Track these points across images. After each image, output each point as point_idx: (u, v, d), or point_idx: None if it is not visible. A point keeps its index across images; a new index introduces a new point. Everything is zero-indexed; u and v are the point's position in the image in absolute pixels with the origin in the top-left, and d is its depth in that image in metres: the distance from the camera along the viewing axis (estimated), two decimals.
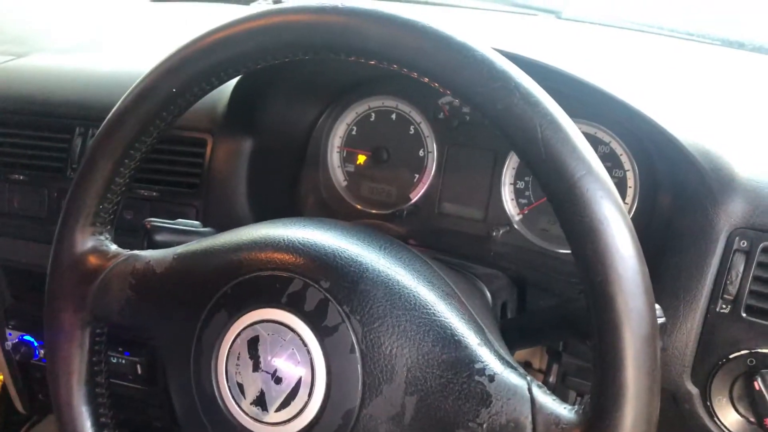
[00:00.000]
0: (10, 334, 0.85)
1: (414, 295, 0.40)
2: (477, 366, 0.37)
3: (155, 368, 0.80)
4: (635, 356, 0.33)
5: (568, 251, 0.50)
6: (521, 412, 0.36)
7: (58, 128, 0.78)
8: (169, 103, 0.46)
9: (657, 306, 0.41)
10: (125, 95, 0.48)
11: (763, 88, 0.78)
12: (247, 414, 0.40)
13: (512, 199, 0.69)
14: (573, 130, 0.35)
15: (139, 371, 0.80)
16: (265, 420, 0.40)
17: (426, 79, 0.38)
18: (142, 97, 0.47)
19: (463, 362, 0.38)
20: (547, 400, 0.36)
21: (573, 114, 0.37)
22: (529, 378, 0.37)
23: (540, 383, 0.38)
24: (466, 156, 0.70)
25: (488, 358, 0.38)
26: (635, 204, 0.63)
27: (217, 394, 0.42)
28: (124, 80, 0.75)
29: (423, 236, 0.73)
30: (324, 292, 0.39)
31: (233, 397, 0.41)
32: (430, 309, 0.40)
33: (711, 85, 0.75)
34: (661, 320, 0.42)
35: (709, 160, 0.53)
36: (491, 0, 1.06)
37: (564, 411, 0.36)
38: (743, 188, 0.52)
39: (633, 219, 0.60)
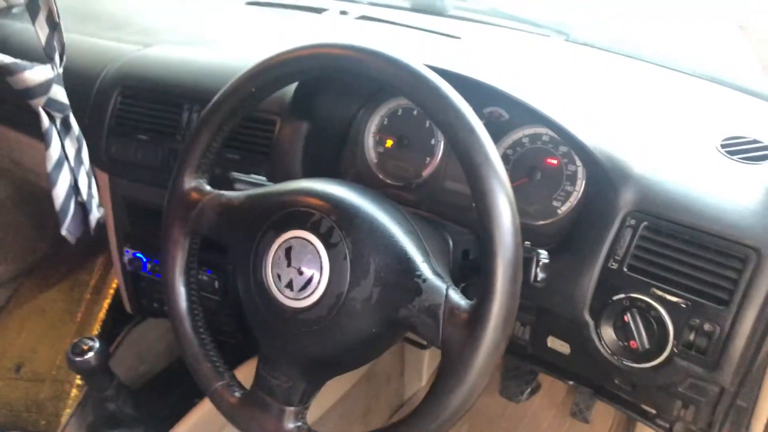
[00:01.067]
0: (126, 252, 1.13)
1: (387, 229, 0.63)
2: (417, 273, 0.60)
3: (227, 285, 1.06)
4: (504, 272, 0.55)
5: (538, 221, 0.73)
6: (438, 301, 0.59)
7: (173, 104, 1.04)
8: (250, 98, 0.71)
9: (541, 250, 0.63)
10: (224, 89, 0.73)
11: (656, 97, 0.97)
12: (281, 293, 0.65)
13: None
14: (481, 133, 0.58)
15: (216, 286, 1.07)
16: (291, 297, 0.64)
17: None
18: (234, 91, 0.73)
19: (409, 270, 0.61)
20: (455, 296, 0.59)
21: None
22: (448, 284, 0.60)
23: (455, 287, 0.61)
24: None
25: (426, 270, 0.61)
26: (582, 190, 0.84)
27: (265, 281, 0.66)
28: (221, 72, 1.02)
29: (429, 205, 0.95)
30: (333, 222, 0.63)
31: (274, 283, 0.65)
32: (395, 238, 0.63)
33: (624, 97, 0.94)
34: (544, 260, 0.65)
35: (610, 161, 0.73)
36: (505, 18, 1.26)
37: (462, 302, 0.58)
38: (635, 182, 0.72)
39: (579, 201, 0.81)
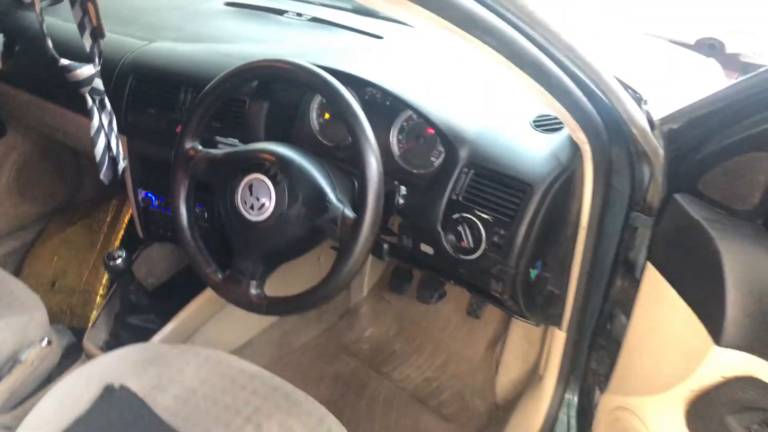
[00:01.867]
0: (140, 192, 1.53)
1: (310, 173, 1.04)
2: (327, 198, 1.02)
3: (213, 215, 1.47)
4: (371, 198, 0.97)
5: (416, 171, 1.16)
6: (337, 214, 1.00)
7: (173, 87, 1.43)
8: (231, 88, 1.11)
9: (402, 186, 1.05)
10: (213, 81, 1.13)
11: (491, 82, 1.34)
12: (246, 212, 1.05)
13: (396, 144, 1.31)
14: (360, 115, 0.98)
15: (206, 216, 1.47)
16: (252, 214, 1.05)
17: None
18: (221, 83, 1.12)
19: (322, 197, 1.02)
20: (347, 211, 1.00)
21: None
22: (345, 206, 1.02)
23: (349, 207, 1.02)
24: (376, 118, 1.32)
25: (332, 197, 1.02)
26: (444, 150, 1.25)
27: (237, 205, 1.07)
28: (208, 64, 1.40)
29: (350, 160, 1.36)
30: (277, 169, 1.04)
31: (242, 206, 1.06)
32: (315, 178, 1.04)
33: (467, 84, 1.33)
34: (403, 192, 1.07)
35: (452, 131, 1.15)
36: None
37: (351, 214, 1.00)
38: (468, 145, 1.14)
39: (443, 157, 1.22)
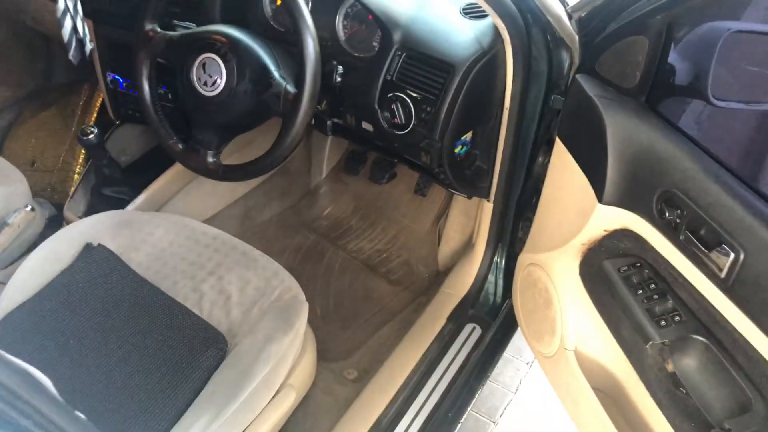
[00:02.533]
0: (109, 74, 1.63)
1: (257, 52, 1.15)
2: (271, 76, 1.13)
3: (176, 96, 1.58)
4: (310, 75, 1.09)
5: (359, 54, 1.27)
6: (280, 90, 1.12)
7: None
8: None
9: (339, 65, 1.17)
10: None
11: None
12: (201, 88, 1.17)
13: (341, 28, 1.40)
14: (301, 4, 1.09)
15: (169, 97, 1.58)
16: (206, 90, 1.17)
17: None
18: None
19: (267, 74, 1.14)
20: (289, 87, 1.12)
21: None
22: (287, 82, 1.14)
23: (286, 77, 1.14)
24: (324, 4, 1.39)
25: (276, 74, 1.14)
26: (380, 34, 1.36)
27: (192, 82, 1.18)
28: None
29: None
30: (227, 49, 1.15)
31: (197, 83, 1.18)
32: (262, 58, 1.15)
33: None
34: (340, 71, 1.19)
35: (387, 17, 1.25)
36: None
37: (292, 90, 1.12)
38: (401, 29, 1.25)
39: (381, 39, 1.33)
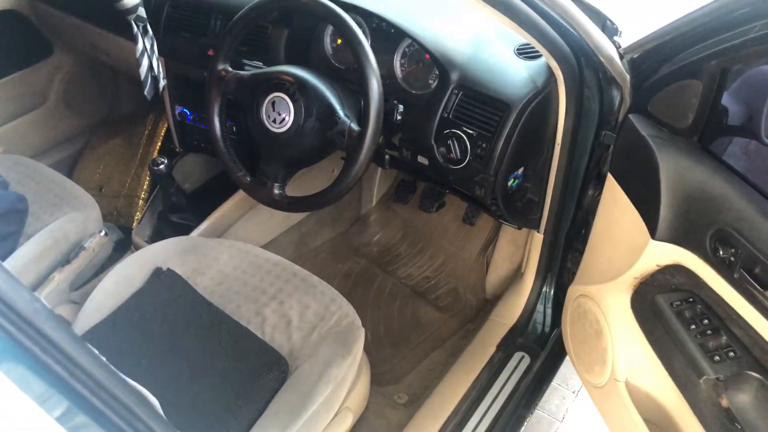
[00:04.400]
0: (177, 108, 1.73)
1: (323, 92, 1.22)
2: (337, 115, 1.20)
3: (240, 129, 1.66)
4: (373, 114, 1.15)
5: (416, 92, 1.33)
6: (345, 128, 1.19)
7: (204, 14, 1.59)
8: (256, 17, 1.28)
9: (399, 104, 1.24)
10: (242, 11, 1.29)
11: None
12: (269, 125, 1.25)
13: (399, 67, 1.47)
14: (363, 42, 1.15)
15: (234, 129, 1.67)
16: (275, 127, 1.25)
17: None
18: (248, 12, 1.29)
19: (333, 113, 1.20)
20: (353, 125, 1.19)
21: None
22: (351, 120, 1.20)
23: (355, 122, 1.21)
24: (382, 44, 1.47)
25: (341, 114, 1.20)
26: (438, 74, 1.42)
27: (262, 119, 1.26)
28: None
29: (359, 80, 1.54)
30: (295, 89, 1.22)
31: (266, 120, 1.25)
32: (327, 97, 1.22)
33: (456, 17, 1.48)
34: (401, 110, 1.25)
35: (444, 57, 1.31)
36: None
37: (356, 128, 1.19)
38: (458, 69, 1.31)
39: (438, 79, 1.40)
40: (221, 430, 1.15)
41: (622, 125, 1.21)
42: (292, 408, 1.16)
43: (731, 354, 1.00)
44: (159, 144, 1.99)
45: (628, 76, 1.22)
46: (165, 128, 1.99)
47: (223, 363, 1.25)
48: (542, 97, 1.26)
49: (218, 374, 1.23)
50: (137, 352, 1.27)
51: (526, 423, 1.50)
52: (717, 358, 1.00)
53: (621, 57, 1.22)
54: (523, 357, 1.58)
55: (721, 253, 0.96)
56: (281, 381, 1.22)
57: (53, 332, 0.48)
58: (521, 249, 1.75)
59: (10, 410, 0.42)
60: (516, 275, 1.73)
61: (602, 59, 1.21)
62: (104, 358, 0.54)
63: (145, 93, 1.49)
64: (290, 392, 1.20)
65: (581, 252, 1.46)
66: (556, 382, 1.90)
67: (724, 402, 1.00)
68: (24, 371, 0.45)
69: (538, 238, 1.54)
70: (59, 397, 0.48)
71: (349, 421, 1.25)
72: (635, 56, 1.20)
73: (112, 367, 0.55)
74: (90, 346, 0.52)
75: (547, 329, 1.64)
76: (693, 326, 1.05)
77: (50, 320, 0.48)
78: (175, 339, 1.29)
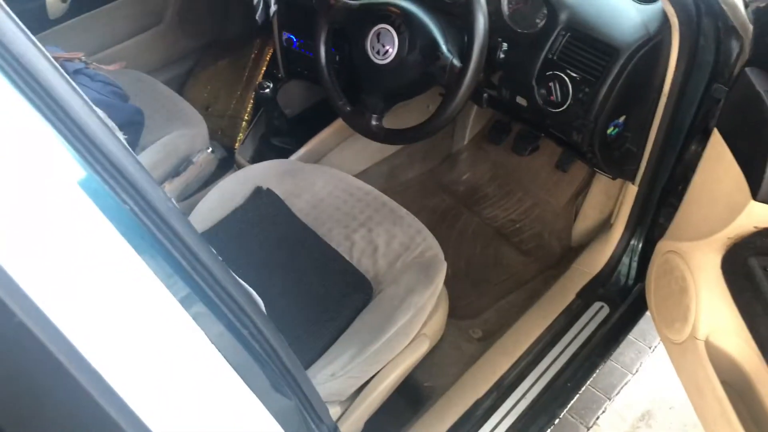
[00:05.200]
0: (284, 34, 1.78)
1: (428, 26, 1.23)
2: (440, 49, 1.21)
3: (343, 58, 1.69)
4: (476, 50, 1.16)
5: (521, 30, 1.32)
6: (446, 62, 1.20)
7: None
8: None
9: (504, 42, 1.23)
10: None
11: None
12: (373, 56, 1.27)
13: (506, 4, 1.43)
14: None
15: (337, 59, 1.70)
16: (378, 58, 1.27)
17: None
18: None
19: (435, 47, 1.21)
20: (455, 60, 1.20)
21: None
22: (453, 56, 1.21)
23: (458, 58, 1.22)
24: None
25: (443, 48, 1.21)
26: (546, 12, 1.38)
27: (366, 49, 1.29)
28: None
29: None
30: (401, 21, 1.23)
31: (370, 51, 1.28)
32: (432, 32, 1.23)
33: None
34: (504, 47, 1.24)
35: None
36: None
37: (457, 63, 1.20)
38: (567, 10, 1.28)
39: (545, 19, 1.37)
40: (307, 342, 1.24)
41: (737, 79, 1.15)
42: (374, 328, 1.23)
43: None
44: (264, 68, 2.06)
45: (750, 27, 1.16)
46: (270, 53, 2.05)
47: (312, 280, 1.33)
48: (653, 44, 1.22)
49: (307, 291, 1.31)
50: (234, 262, 1.37)
51: (598, 371, 1.52)
52: None
53: (746, 5, 1.16)
54: (602, 307, 1.58)
55: None
56: (365, 302, 1.30)
57: (181, 228, 0.55)
58: (613, 200, 1.72)
59: (148, 290, 0.49)
60: (605, 226, 1.71)
61: (724, 6, 1.15)
62: (220, 258, 0.61)
63: (257, 17, 1.54)
64: (373, 314, 1.27)
65: (675, 208, 1.43)
66: (633, 336, 1.89)
67: None
68: (159, 260, 0.52)
69: (632, 189, 1.51)
70: (183, 284, 0.55)
71: (425, 346, 1.31)
72: (762, 5, 1.13)
73: (226, 266, 0.61)
74: (209, 245, 0.58)
75: (630, 282, 1.63)
76: None
77: (179, 219, 0.55)
78: (269, 254, 1.39)
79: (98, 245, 0.46)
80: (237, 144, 1.93)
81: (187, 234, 0.55)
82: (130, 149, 0.50)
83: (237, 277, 0.66)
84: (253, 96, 1.98)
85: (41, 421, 0.45)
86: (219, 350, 0.56)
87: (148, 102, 1.68)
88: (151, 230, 0.52)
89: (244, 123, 2.04)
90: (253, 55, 2.13)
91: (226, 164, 1.89)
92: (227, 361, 0.57)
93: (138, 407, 0.48)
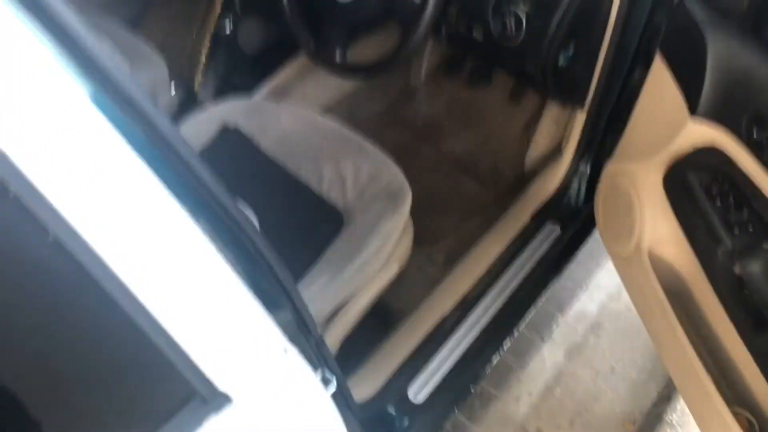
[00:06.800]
0: None
1: None
2: None
3: None
4: None
5: None
6: None
7: None
8: None
9: None
10: None
11: None
12: None
13: None
14: None
15: None
16: None
17: None
18: None
19: None
20: None
21: None
22: None
23: None
24: None
25: None
26: None
27: None
28: None
29: None
30: None
31: None
32: None
33: None
34: None
35: None
36: None
37: None
38: None
39: None
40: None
41: (677, 6, 1.23)
42: (345, 255, 1.30)
43: (750, 229, 1.09)
44: (221, 6, 2.03)
45: None
46: None
47: (285, 214, 1.39)
48: None
49: (280, 224, 1.36)
50: None
51: (551, 286, 1.64)
52: (736, 231, 1.09)
53: None
54: (554, 228, 1.69)
55: (755, 134, 1.02)
56: (336, 232, 1.36)
57: (186, 152, 0.59)
58: (562, 129, 1.80)
59: (157, 202, 0.54)
60: (556, 153, 1.80)
61: None
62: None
63: None
64: (344, 242, 1.33)
65: (621, 132, 1.52)
66: (582, 255, 2.02)
67: (737, 270, 1.10)
68: (166, 171, 0.56)
69: (580, 117, 1.59)
70: (188, 197, 0.60)
71: (394, 270, 1.39)
72: None
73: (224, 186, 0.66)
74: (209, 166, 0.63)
75: (580, 204, 1.74)
76: (719, 202, 1.13)
77: (185, 146, 0.59)
78: (240, 192, 1.42)
79: (111, 159, 0.51)
80: (197, 85, 1.92)
81: (191, 157, 0.60)
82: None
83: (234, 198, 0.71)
84: (210, 34, 1.96)
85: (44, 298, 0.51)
86: (225, 259, 0.61)
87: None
88: (158, 145, 0.56)
89: (202, 62, 2.02)
90: None
91: (187, 105, 1.89)
92: (232, 269, 0.63)
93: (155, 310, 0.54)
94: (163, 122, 0.55)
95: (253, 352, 0.70)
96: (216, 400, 0.64)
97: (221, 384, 0.64)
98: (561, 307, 1.92)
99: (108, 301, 0.52)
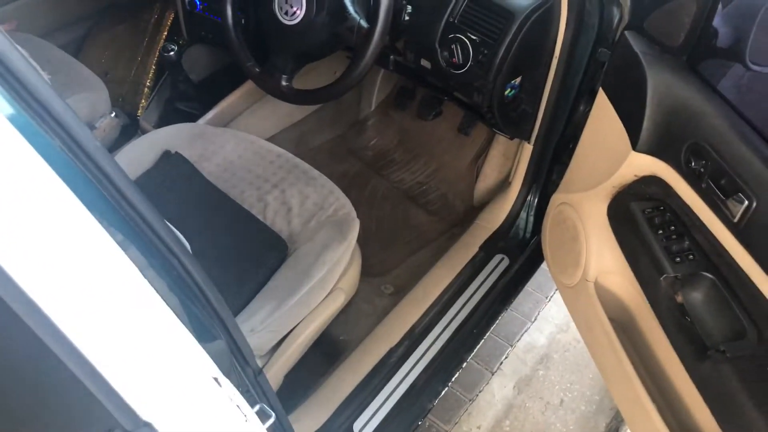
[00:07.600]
0: None
1: None
2: (347, 11, 1.24)
3: (249, 21, 1.68)
4: (384, 7, 1.20)
5: None
6: (354, 24, 1.24)
7: None
8: None
9: (408, 6, 1.27)
10: None
11: None
12: (281, 17, 1.29)
13: None
14: None
15: (243, 22, 1.69)
16: (287, 19, 1.29)
17: None
18: None
19: (343, 8, 1.25)
20: (362, 22, 1.23)
21: None
22: (361, 17, 1.25)
23: (360, 12, 1.25)
24: None
25: (351, 11, 1.24)
26: None
27: (275, 11, 1.29)
28: None
29: None
30: None
31: (278, 12, 1.29)
32: None
33: None
34: (408, 11, 1.29)
35: None
36: None
37: (365, 24, 1.23)
38: None
39: None
40: (226, 299, 1.26)
41: (618, 41, 1.26)
42: (290, 284, 1.26)
43: (691, 257, 1.10)
44: (165, 33, 2.00)
45: None
46: (172, 18, 1.99)
47: (227, 242, 1.35)
48: (545, 9, 1.30)
49: (222, 252, 1.33)
50: None
51: (500, 318, 1.63)
52: (678, 259, 1.11)
53: None
54: (503, 259, 1.69)
55: (693, 164, 1.04)
56: (280, 260, 1.33)
57: (110, 169, 0.56)
58: (510, 161, 1.83)
59: (79, 222, 0.51)
60: (504, 185, 1.82)
61: None
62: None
63: None
64: (289, 270, 1.30)
65: (567, 164, 1.54)
66: (531, 287, 2.03)
67: (679, 298, 1.11)
68: (88, 192, 0.53)
69: (527, 149, 1.61)
70: (111, 216, 0.57)
71: (341, 300, 1.36)
72: None
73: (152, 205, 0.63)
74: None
75: (528, 235, 1.75)
76: (660, 231, 1.15)
77: (105, 156, 0.56)
78: (181, 217, 1.38)
79: (29, 179, 0.47)
80: (140, 110, 1.88)
81: (113, 171, 0.56)
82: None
83: (167, 223, 0.67)
84: (155, 61, 1.92)
85: None
86: (150, 283, 0.58)
87: (42, 66, 1.60)
88: (78, 166, 0.53)
89: (146, 89, 1.98)
90: (153, 19, 2.06)
91: (130, 131, 1.84)
92: (159, 294, 0.59)
93: (79, 342, 0.50)
94: (81, 131, 0.52)
95: (180, 383, 0.65)
96: (139, 430, 0.59)
97: (145, 413, 0.59)
98: (510, 339, 1.92)
99: (20, 325, 0.48)
